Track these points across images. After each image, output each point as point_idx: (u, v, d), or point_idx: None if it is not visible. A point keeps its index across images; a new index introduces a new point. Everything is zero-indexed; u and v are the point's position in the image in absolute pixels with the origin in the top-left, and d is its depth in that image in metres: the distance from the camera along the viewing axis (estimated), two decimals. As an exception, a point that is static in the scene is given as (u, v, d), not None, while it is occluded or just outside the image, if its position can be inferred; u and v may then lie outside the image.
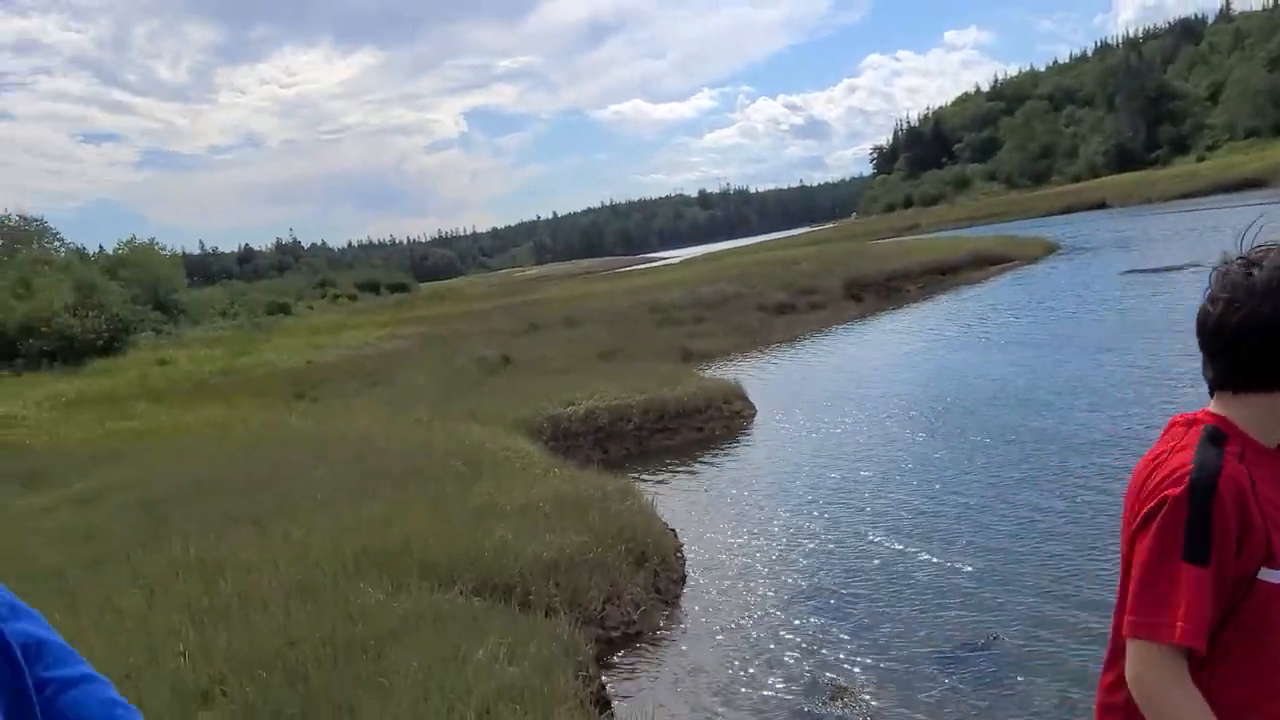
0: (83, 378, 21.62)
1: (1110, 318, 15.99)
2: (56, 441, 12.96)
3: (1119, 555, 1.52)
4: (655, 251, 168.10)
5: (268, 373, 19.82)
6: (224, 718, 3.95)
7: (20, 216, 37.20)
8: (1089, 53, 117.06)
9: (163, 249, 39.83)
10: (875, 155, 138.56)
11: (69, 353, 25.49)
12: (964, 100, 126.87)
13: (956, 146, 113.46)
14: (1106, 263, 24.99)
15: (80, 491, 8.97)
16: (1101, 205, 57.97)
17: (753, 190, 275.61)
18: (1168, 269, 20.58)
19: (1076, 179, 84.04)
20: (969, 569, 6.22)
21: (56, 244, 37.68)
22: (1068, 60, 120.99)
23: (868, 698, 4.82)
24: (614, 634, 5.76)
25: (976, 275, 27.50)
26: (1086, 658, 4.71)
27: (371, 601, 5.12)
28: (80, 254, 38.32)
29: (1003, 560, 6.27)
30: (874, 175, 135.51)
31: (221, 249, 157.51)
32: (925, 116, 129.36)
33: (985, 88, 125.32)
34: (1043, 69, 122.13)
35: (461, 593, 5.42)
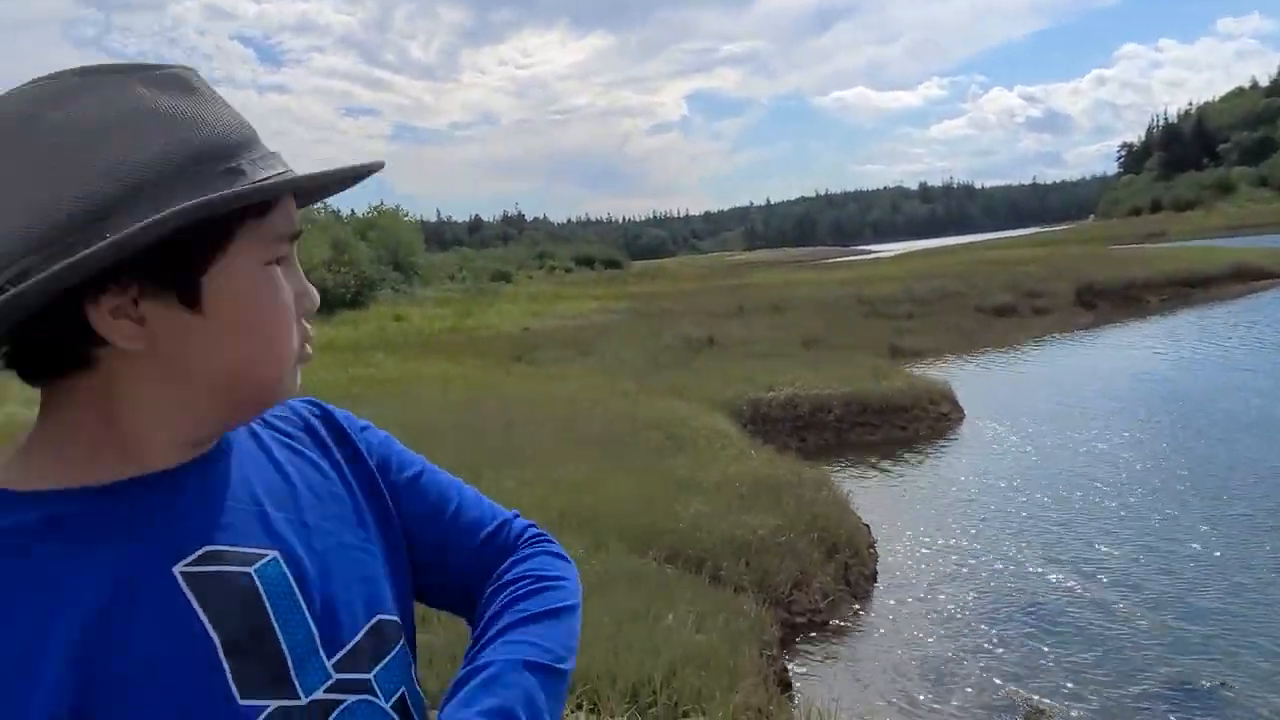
0: (332, 326, 23.93)
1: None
2: (308, 382, 14.48)
3: None
4: (869, 244, 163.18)
5: (489, 335, 21.15)
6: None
7: (291, 180, 41.62)
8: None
9: (405, 215, 43.15)
10: (1123, 153, 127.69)
11: (322, 304, 27.99)
12: (1236, 95, 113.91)
13: (1221, 147, 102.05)
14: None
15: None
16: (1402, 221, 50.25)
17: (978, 185, 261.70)
18: None
19: (1372, 189, 73.23)
20: (1197, 611, 5.70)
21: (319, 206, 41.87)
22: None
23: (1067, 724, 4.57)
24: (799, 619, 5.78)
25: (1234, 290, 24.66)
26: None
27: (572, 556, 5.42)
28: (336, 216, 42.32)
29: (1244, 607, 5.69)
30: (1119, 174, 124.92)
31: (455, 218, 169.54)
32: (1186, 112, 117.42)
33: (1264, 81, 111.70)
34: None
35: (655, 559, 5.63)
